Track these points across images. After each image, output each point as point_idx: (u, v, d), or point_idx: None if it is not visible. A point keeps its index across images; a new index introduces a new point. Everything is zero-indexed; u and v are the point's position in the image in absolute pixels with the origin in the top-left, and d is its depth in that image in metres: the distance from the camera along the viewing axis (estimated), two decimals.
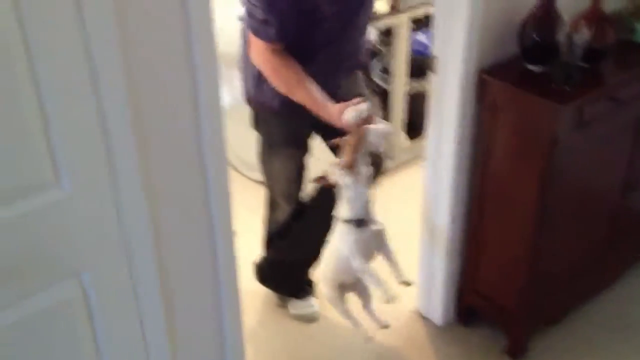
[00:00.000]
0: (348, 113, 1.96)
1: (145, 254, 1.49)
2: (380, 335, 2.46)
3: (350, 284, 2.23)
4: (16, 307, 1.32)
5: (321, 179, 2.02)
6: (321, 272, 2.23)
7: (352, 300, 2.30)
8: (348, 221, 2.02)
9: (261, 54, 2.02)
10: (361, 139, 1.95)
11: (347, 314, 2.26)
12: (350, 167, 1.95)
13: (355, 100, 2.00)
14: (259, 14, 1.93)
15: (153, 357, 1.59)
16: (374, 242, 2.08)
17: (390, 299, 2.02)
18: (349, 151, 1.95)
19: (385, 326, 2.31)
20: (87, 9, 1.21)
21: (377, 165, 2.34)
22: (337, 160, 1.99)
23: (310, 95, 2.02)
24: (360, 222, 2.02)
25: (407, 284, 2.14)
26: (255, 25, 1.97)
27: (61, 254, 1.35)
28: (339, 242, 2.08)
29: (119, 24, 1.27)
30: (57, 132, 1.25)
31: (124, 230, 1.43)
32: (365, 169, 1.99)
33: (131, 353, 1.55)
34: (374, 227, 2.06)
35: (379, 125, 1.98)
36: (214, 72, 1.46)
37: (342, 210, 2.03)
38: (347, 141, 1.96)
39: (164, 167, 1.48)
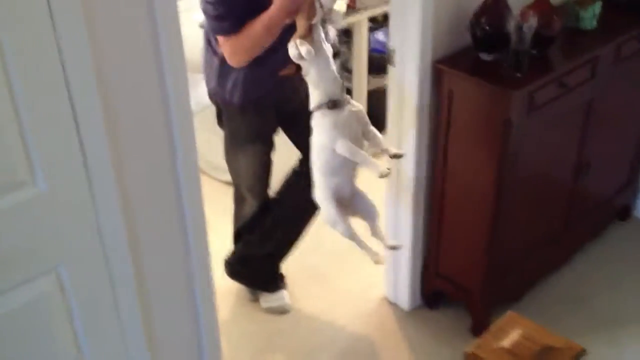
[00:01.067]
0: None
1: (121, 252, 1.53)
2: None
3: (349, 204, 2.06)
4: None
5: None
6: (315, 188, 2.01)
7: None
8: (320, 106, 1.88)
9: (226, 49, 2.04)
10: (312, 4, 1.85)
11: (352, 234, 2.04)
12: (307, 36, 1.83)
13: None
14: (211, 10, 1.98)
15: (131, 349, 1.63)
16: (355, 124, 1.91)
17: (377, 260, 2.02)
18: (302, 19, 1.84)
19: (394, 247, 2.15)
20: (58, 14, 1.25)
21: None
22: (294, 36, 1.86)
23: (263, 24, 1.96)
24: (335, 102, 1.87)
25: (399, 155, 2.03)
26: (213, 24, 2.01)
27: (38, 250, 1.38)
28: (318, 136, 1.91)
29: (90, 29, 1.31)
30: (31, 132, 1.29)
31: (100, 228, 1.47)
32: (326, 44, 1.88)
33: (110, 345, 1.58)
34: (351, 108, 1.91)
35: None
36: (182, 73, 1.51)
37: (313, 98, 1.89)
38: (299, 15, 1.86)
39: (137, 168, 1.52)
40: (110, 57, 1.38)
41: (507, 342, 1.16)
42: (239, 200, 2.47)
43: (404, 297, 2.57)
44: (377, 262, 2.07)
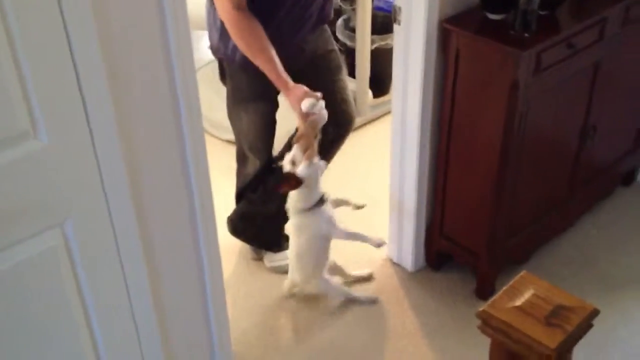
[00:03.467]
0: (306, 103, 2.09)
1: (125, 207, 1.54)
2: (354, 283, 2.56)
3: (330, 267, 2.43)
4: (1, 256, 1.36)
5: (286, 180, 2.14)
6: (310, 282, 2.39)
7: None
8: (316, 204, 2.20)
9: (227, 11, 2.03)
10: (314, 127, 2.12)
11: (342, 289, 2.47)
12: (310, 149, 2.12)
13: (313, 93, 2.11)
14: None
15: (136, 304, 1.65)
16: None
17: (380, 244, 2.37)
18: (308, 143, 2.12)
19: (368, 277, 2.57)
20: None
21: (345, 125, 2.41)
22: (295, 154, 2.14)
23: (271, 64, 2.08)
24: (323, 198, 2.22)
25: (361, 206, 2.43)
26: None
27: (42, 204, 1.39)
28: (313, 231, 2.25)
29: None
30: (32, 85, 1.28)
31: (103, 180, 1.47)
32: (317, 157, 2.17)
33: (115, 299, 1.60)
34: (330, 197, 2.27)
35: (323, 111, 2.14)
36: (185, 30, 1.49)
37: (307, 198, 2.19)
38: (304, 135, 2.12)
39: (140, 122, 1.52)
40: (113, 11, 1.37)
41: (520, 301, 1.17)
42: (241, 158, 2.47)
43: (408, 258, 2.59)
44: (380, 245, 2.40)
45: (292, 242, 2.33)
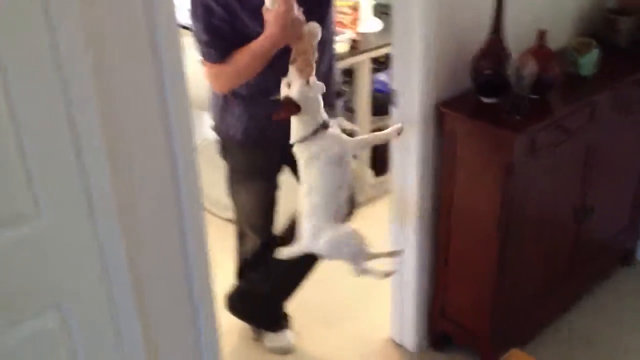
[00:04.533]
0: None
1: (124, 290, 1.54)
2: None
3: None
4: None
5: (284, 106, 1.94)
6: (318, 227, 2.06)
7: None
8: (322, 125, 1.97)
9: (212, 75, 2.08)
10: (311, 32, 1.95)
11: (365, 248, 2.12)
12: (308, 66, 1.93)
13: None
14: (201, 35, 2.01)
15: None
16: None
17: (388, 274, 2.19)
18: (305, 62, 1.93)
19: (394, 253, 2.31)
20: (65, 54, 1.29)
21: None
22: (291, 75, 1.95)
23: (250, 48, 1.99)
24: (325, 123, 1.99)
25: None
26: (202, 49, 2.04)
27: (42, 285, 1.40)
28: (327, 153, 1.99)
29: (95, 70, 1.35)
30: (35, 167, 1.32)
31: (104, 267, 1.48)
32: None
33: None
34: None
35: (314, 24, 1.98)
36: (186, 114, 1.54)
37: (309, 124, 1.96)
38: (299, 54, 1.94)
39: (141, 204, 1.54)
40: (115, 95, 1.42)
41: None
42: (241, 236, 2.48)
43: (410, 338, 2.57)
44: (387, 275, 2.21)
45: (302, 183, 2.05)
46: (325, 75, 2.26)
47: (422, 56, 2.10)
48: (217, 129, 2.30)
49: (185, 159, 1.58)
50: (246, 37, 2.01)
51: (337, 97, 2.42)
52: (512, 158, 2.06)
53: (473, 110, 2.16)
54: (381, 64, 3.44)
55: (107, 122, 1.40)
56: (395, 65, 2.22)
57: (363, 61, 3.22)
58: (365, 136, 2.20)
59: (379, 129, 3.34)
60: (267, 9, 1.95)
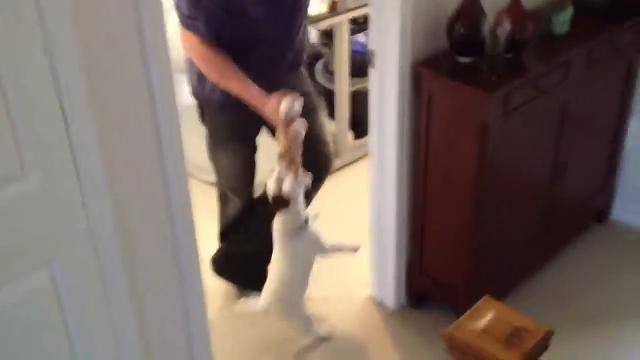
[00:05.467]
0: (284, 103, 2.08)
1: (111, 249, 1.56)
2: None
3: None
4: None
5: (276, 202, 2.13)
6: (289, 307, 2.35)
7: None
8: (303, 224, 2.19)
9: (193, 47, 2.09)
10: (296, 138, 2.11)
11: (316, 328, 2.47)
12: (293, 163, 2.09)
13: (289, 93, 2.11)
14: (184, 8, 2.02)
15: (121, 344, 1.67)
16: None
17: (356, 248, 2.40)
18: (292, 157, 2.10)
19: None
20: (48, 15, 1.29)
21: (323, 166, 2.46)
22: (280, 171, 2.12)
23: (244, 86, 2.10)
24: (307, 217, 2.21)
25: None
26: (185, 19, 2.05)
27: (30, 245, 1.42)
28: (305, 253, 2.25)
29: (77, 30, 1.35)
30: (20, 128, 1.32)
31: (90, 222, 1.50)
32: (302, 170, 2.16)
33: (100, 341, 1.62)
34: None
35: (300, 120, 2.14)
36: (168, 73, 1.55)
37: (292, 220, 2.18)
38: (286, 150, 2.11)
39: (126, 167, 1.56)
40: (98, 56, 1.42)
41: (482, 323, 1.24)
42: (222, 198, 2.51)
43: (390, 296, 2.63)
44: (356, 250, 2.41)
45: (280, 271, 2.27)
46: (300, 42, 2.28)
47: (399, 16, 2.11)
48: (194, 92, 2.30)
49: (168, 122, 1.59)
50: (244, 21, 2.02)
51: (315, 59, 2.44)
52: (486, 117, 2.09)
53: (449, 70, 2.19)
54: (360, 24, 3.44)
55: (90, 84, 1.41)
56: (372, 24, 2.22)
57: (342, 22, 3.21)
58: (335, 243, 2.36)
59: (360, 92, 3.37)
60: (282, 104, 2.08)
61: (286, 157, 2.10)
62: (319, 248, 2.27)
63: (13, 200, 1.36)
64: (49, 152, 1.38)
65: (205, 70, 2.13)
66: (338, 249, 2.34)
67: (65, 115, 1.38)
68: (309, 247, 2.24)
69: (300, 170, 2.11)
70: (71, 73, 1.36)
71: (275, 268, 2.29)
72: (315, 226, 2.27)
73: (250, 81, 2.12)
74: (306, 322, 2.43)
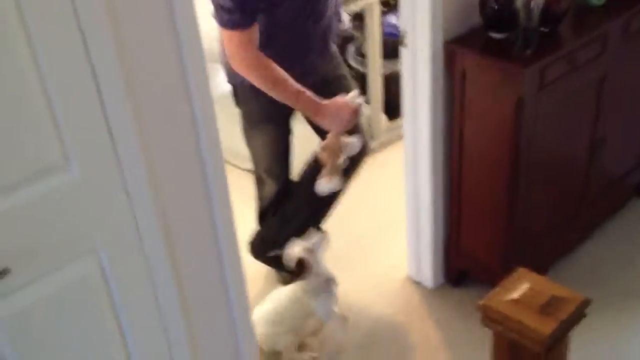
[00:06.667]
0: (351, 95, 2.15)
1: (154, 236, 1.61)
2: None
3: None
4: (38, 284, 1.45)
5: (298, 267, 2.17)
6: (274, 334, 2.23)
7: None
8: (327, 286, 2.21)
9: (238, 52, 2.09)
10: (349, 145, 2.16)
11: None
12: (333, 168, 2.13)
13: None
14: (222, 1, 2.03)
15: (168, 325, 1.72)
16: None
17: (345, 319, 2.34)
18: (332, 157, 2.14)
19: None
20: (84, 18, 1.34)
21: (359, 151, 2.46)
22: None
23: (293, 92, 2.11)
24: (331, 280, 2.22)
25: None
26: (223, 16, 2.05)
27: (76, 232, 1.47)
28: (314, 313, 2.23)
29: (114, 28, 1.39)
30: (62, 121, 1.37)
31: (134, 211, 1.55)
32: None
33: (148, 321, 1.68)
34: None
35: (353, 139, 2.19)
36: (201, 62, 1.57)
37: (314, 284, 2.19)
38: (328, 149, 2.13)
39: (164, 156, 1.60)
40: (133, 49, 1.45)
41: (517, 293, 1.24)
42: (259, 182, 2.54)
43: (428, 275, 2.63)
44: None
45: (284, 304, 2.25)
46: (329, 19, 2.28)
47: None
48: (229, 76, 2.33)
49: (204, 109, 1.62)
50: (274, 4, 2.04)
51: (347, 42, 2.44)
52: (522, 93, 2.07)
53: (482, 47, 2.17)
54: (391, 6, 3.42)
55: (127, 78, 1.44)
56: (403, 4, 2.21)
57: (373, 4, 3.20)
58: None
59: (393, 74, 3.36)
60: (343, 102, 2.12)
61: (326, 155, 2.12)
62: (330, 315, 2.26)
63: (57, 190, 1.42)
64: (89, 142, 1.43)
65: (249, 74, 2.13)
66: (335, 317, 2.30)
67: (104, 105, 1.42)
68: (322, 311, 2.23)
69: (338, 176, 2.15)
70: (108, 64, 1.40)
71: (283, 302, 2.26)
72: (335, 291, 2.25)
73: (298, 87, 2.13)
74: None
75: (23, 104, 1.32)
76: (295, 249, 2.16)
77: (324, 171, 2.14)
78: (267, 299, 2.30)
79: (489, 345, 1.36)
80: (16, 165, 1.35)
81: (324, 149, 2.15)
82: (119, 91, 1.44)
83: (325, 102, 2.16)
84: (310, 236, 2.14)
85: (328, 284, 2.21)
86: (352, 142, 2.16)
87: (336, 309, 2.29)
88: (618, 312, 2.46)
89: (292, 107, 2.18)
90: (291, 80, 2.13)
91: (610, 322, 2.42)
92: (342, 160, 2.17)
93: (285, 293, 2.27)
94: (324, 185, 2.12)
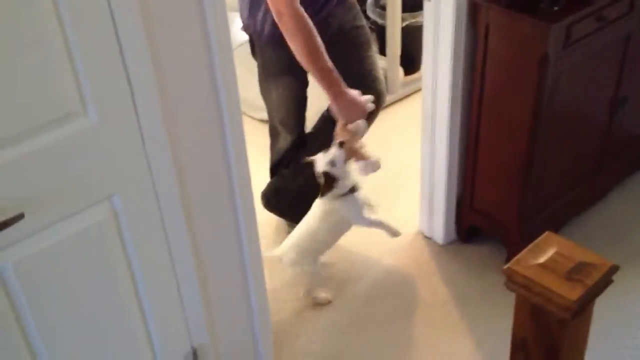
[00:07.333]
0: (356, 125, 2.19)
1: (169, 183, 1.61)
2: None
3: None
4: (55, 229, 1.46)
5: (326, 183, 2.17)
6: (302, 258, 2.33)
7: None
8: (349, 191, 2.22)
9: (287, 9, 2.05)
10: (355, 128, 2.21)
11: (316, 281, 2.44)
12: (356, 154, 2.19)
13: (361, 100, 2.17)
14: None
15: (179, 272, 1.74)
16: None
17: (395, 233, 2.35)
18: (353, 145, 2.19)
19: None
20: None
21: (375, 102, 2.44)
22: (337, 155, 2.17)
23: (328, 70, 2.10)
24: (355, 187, 2.24)
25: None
26: None
27: (93, 180, 1.48)
28: (340, 218, 2.27)
29: None
30: (81, 67, 1.36)
31: (149, 157, 1.55)
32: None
33: (161, 269, 1.70)
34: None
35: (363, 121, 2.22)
36: (222, 10, 1.55)
37: (337, 188, 2.19)
38: (345, 138, 2.18)
39: (181, 102, 1.58)
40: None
41: (543, 258, 1.23)
42: (273, 133, 2.53)
43: (439, 231, 2.64)
44: (396, 235, 2.37)
45: (310, 223, 2.31)
46: None
47: None
48: (246, 26, 2.29)
49: (223, 59, 1.60)
50: None
51: None
52: (547, 49, 2.03)
53: (508, 1, 2.11)
54: None
55: (147, 26, 1.43)
56: None
57: None
58: (376, 219, 2.32)
59: (408, 27, 3.30)
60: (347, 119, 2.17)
61: (346, 145, 2.15)
62: (358, 218, 2.27)
63: (76, 136, 1.41)
64: (107, 88, 1.42)
65: (296, 40, 2.10)
66: (379, 225, 2.31)
67: (123, 52, 1.40)
68: (348, 212, 2.25)
69: (367, 156, 2.19)
70: (128, 11, 1.37)
71: (305, 220, 2.32)
72: (364, 196, 2.26)
73: (333, 66, 2.11)
74: (309, 279, 2.41)
75: (42, 49, 1.30)
76: (318, 165, 2.19)
77: (356, 162, 2.19)
78: (297, 227, 2.36)
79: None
80: (34, 111, 1.34)
81: (338, 135, 2.20)
82: (138, 38, 1.42)
83: (347, 90, 2.15)
84: (329, 151, 2.16)
85: (352, 190, 2.23)
86: (357, 125, 2.20)
87: (367, 214, 2.30)
88: (632, 273, 2.46)
89: (315, 79, 2.15)
90: (325, 55, 2.10)
91: (624, 282, 2.42)
92: (359, 144, 2.21)
93: (314, 207, 2.31)
94: (365, 168, 2.19)
